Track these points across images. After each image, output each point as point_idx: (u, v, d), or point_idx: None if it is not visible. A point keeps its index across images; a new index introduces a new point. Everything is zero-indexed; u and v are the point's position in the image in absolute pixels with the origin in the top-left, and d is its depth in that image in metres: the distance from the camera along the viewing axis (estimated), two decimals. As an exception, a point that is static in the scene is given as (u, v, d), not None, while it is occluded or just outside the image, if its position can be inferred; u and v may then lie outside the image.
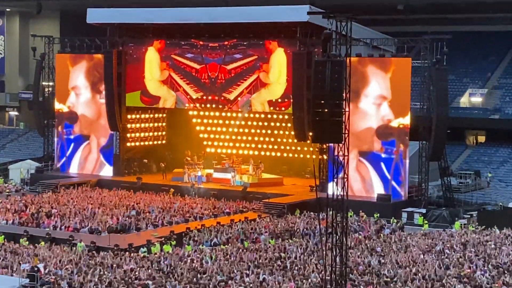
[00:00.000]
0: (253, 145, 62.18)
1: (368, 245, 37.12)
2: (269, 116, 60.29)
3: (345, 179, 21.77)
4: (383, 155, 51.09)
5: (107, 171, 59.63)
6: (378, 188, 50.71)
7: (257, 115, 60.94)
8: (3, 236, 39.55)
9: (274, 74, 54.65)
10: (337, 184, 21.77)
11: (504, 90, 67.21)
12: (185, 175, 56.50)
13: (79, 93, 60.68)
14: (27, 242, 37.87)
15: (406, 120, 50.26)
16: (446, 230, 42.89)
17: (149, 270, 30.71)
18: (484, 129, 65.43)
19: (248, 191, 53.10)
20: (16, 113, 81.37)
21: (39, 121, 64.63)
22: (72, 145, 61.05)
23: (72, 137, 61.12)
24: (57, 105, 61.54)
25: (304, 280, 28.25)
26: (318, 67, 21.73)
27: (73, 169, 61.04)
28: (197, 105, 58.13)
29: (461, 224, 44.99)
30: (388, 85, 50.78)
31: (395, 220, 45.75)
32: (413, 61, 50.87)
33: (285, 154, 61.20)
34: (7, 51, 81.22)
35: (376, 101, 50.99)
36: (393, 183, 50.71)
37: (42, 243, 37.96)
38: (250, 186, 54.25)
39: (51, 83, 63.41)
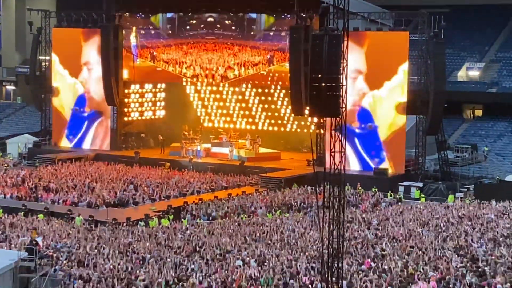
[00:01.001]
0: (250, 120, 62.20)
1: (365, 218, 37.30)
2: (266, 90, 60.27)
3: (343, 153, 21.81)
4: (357, 130, 51.21)
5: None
6: (353, 162, 50.89)
7: (254, 89, 60.93)
8: (1, 210, 39.66)
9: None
10: (333, 158, 21.81)
11: (501, 64, 67.22)
12: (182, 150, 56.56)
13: (91, 68, 60.25)
14: (23, 217, 37.93)
15: (381, 92, 50.44)
16: (442, 203, 43.09)
17: (147, 244, 30.86)
18: (481, 103, 65.49)
19: (245, 165, 53.20)
20: (13, 87, 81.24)
21: (36, 95, 64.53)
22: (86, 122, 60.52)
23: (86, 114, 60.64)
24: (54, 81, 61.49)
25: (301, 254, 28.43)
26: (316, 41, 21.67)
27: (86, 145, 60.64)
28: (194, 79, 58.07)
29: (458, 198, 45.17)
30: (364, 59, 50.83)
31: (392, 194, 45.94)
32: (410, 35, 50.77)
33: (282, 129, 61.24)
34: (4, 26, 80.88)
35: (351, 75, 50.92)
36: (366, 156, 51.04)
37: (41, 216, 38.07)
38: (248, 161, 54.36)
39: (47, 58, 63.24)
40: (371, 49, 50.57)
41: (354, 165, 50.82)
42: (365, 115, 51.17)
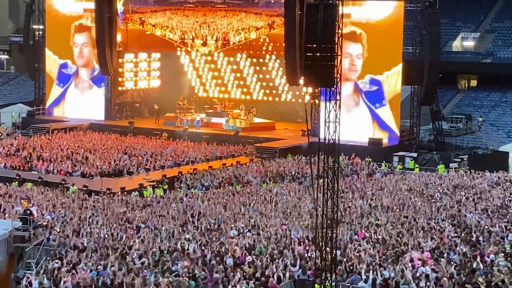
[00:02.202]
0: (245, 90, 62.04)
1: (359, 188, 37.38)
2: (261, 60, 60.10)
3: (337, 123, 21.79)
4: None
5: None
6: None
7: (249, 59, 60.76)
8: (-5, 179, 39.63)
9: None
10: (328, 128, 21.81)
11: (496, 34, 67.00)
12: (177, 120, 56.44)
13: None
14: (17, 187, 37.89)
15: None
16: (437, 173, 43.19)
17: (141, 213, 30.89)
18: (476, 73, 65.41)
19: (240, 135, 53.17)
20: (7, 56, 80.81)
21: (29, 64, 64.22)
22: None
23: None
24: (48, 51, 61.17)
25: (296, 223, 28.51)
26: (311, 10, 21.60)
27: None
28: (188, 48, 57.86)
29: (452, 168, 45.26)
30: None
31: (386, 164, 46.01)
32: (406, 5, 50.54)
33: (277, 99, 61.11)
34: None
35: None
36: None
37: (29, 184, 37.95)
38: (242, 131, 54.31)
39: (41, 27, 62.85)
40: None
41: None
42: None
